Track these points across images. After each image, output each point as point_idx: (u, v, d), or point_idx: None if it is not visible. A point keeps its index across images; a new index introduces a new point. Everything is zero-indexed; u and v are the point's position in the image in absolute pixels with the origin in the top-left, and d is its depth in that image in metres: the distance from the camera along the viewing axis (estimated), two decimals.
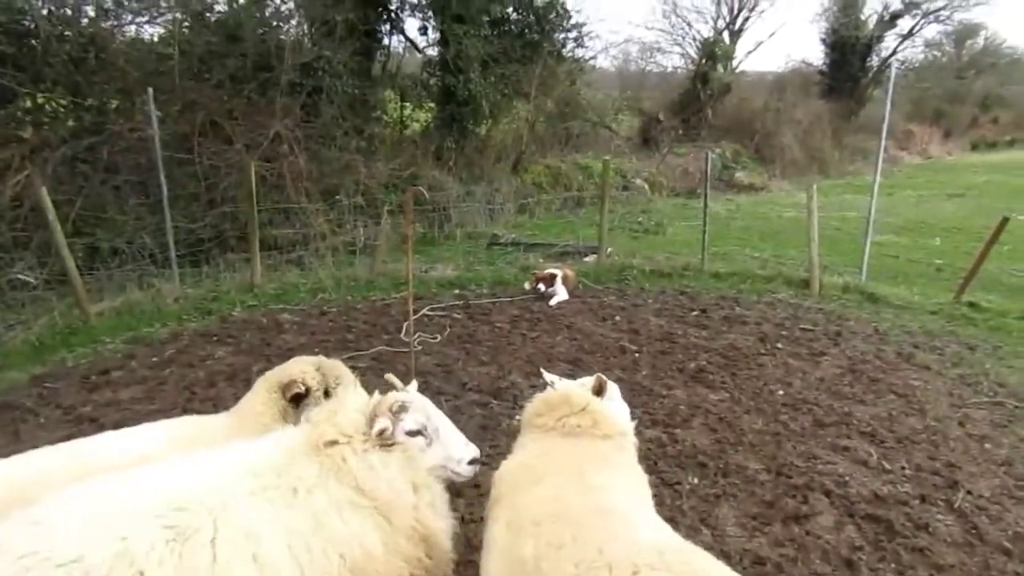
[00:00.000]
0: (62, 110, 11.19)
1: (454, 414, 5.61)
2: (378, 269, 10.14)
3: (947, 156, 33.99)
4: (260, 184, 9.91)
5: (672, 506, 4.30)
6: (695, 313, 8.55)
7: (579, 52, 19.71)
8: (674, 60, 33.18)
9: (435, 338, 7.46)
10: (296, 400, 3.25)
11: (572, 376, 6.50)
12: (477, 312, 8.49)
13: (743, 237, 13.68)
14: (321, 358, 3.49)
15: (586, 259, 11.14)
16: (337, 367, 3.46)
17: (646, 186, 19.89)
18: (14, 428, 5.40)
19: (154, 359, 6.83)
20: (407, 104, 16.94)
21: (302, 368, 3.34)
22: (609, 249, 11.22)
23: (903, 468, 4.81)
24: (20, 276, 7.41)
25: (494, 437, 5.17)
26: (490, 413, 5.67)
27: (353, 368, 6.45)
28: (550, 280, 8.92)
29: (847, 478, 4.65)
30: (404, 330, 7.43)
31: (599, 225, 10.96)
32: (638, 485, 2.68)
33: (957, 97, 37.45)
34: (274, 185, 11.32)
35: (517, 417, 3.32)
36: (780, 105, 26.72)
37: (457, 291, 9.43)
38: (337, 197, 12.14)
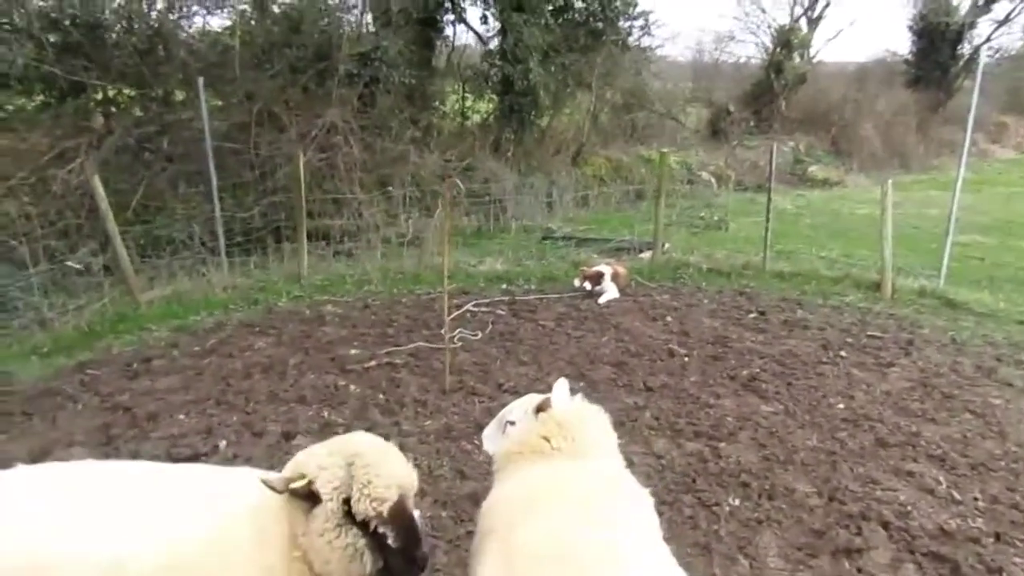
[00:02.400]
0: (129, 101, 11.52)
1: (486, 416, 5.41)
2: (426, 262, 10.01)
3: None
4: (313, 174, 9.91)
5: (708, 530, 3.95)
6: (753, 315, 8.06)
7: (645, 41, 19.13)
8: (748, 49, 31.94)
9: (476, 335, 7.24)
10: None
11: (615, 381, 6.19)
12: (523, 309, 8.23)
13: (811, 235, 12.94)
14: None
15: (641, 255, 10.72)
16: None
17: (713, 180, 19.20)
18: (53, 415, 5.47)
19: (196, 348, 6.85)
20: (469, 95, 16.81)
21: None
22: (666, 245, 10.76)
23: (976, 499, 4.30)
24: (69, 263, 7.55)
25: None
26: None
27: (389, 364, 6.40)
28: (596, 278, 8.55)
29: (909, 508, 4.18)
30: (444, 326, 7.25)
31: (654, 220, 10.52)
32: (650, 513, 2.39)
33: None
34: (327, 175, 11.33)
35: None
36: (860, 96, 25.36)
37: (504, 286, 9.20)
38: (389, 188, 12.08)
